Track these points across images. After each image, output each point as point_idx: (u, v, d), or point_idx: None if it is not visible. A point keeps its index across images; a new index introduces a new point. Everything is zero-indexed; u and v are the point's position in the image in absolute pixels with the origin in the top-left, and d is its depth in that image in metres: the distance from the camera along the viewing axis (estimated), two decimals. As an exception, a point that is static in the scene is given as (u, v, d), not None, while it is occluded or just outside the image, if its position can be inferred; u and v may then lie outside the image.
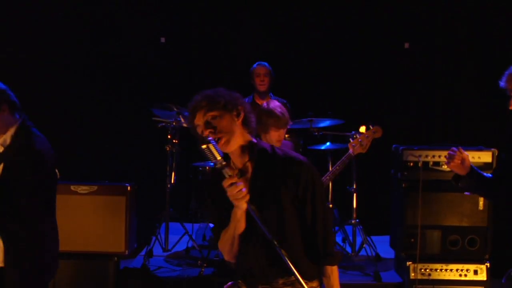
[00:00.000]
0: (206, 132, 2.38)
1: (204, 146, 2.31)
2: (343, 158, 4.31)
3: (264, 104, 4.03)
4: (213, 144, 2.31)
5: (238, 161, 2.45)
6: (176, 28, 6.88)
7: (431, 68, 6.80)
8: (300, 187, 2.40)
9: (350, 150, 4.25)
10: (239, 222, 2.37)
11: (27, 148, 3.04)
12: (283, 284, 2.41)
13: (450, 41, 6.68)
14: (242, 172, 2.44)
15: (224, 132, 2.38)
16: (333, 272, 2.45)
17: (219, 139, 2.36)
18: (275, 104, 4.00)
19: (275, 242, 2.28)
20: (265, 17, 6.84)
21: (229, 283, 2.54)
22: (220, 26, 6.92)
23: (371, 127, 4.30)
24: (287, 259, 2.28)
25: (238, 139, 2.42)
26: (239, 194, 2.29)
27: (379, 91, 6.70)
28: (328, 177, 4.37)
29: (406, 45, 6.78)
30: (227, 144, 2.39)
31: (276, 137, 3.93)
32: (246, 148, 2.45)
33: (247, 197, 2.31)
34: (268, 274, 2.41)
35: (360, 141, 4.23)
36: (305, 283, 2.30)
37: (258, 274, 2.43)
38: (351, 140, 4.29)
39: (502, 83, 3.34)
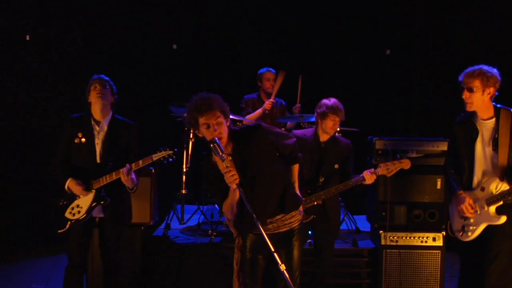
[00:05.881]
0: (215, 133, 3.22)
1: (211, 145, 3.20)
2: (357, 178, 4.37)
3: (325, 100, 4.52)
4: (218, 143, 3.21)
5: (227, 149, 3.35)
6: (187, 36, 7.54)
7: (409, 71, 7.45)
8: (268, 141, 3.40)
9: (378, 169, 4.35)
10: (234, 194, 3.28)
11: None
12: (270, 223, 3.43)
13: (426, 48, 7.35)
14: (232, 155, 3.35)
15: (223, 134, 3.29)
16: (295, 167, 3.61)
17: (220, 138, 3.25)
18: (332, 98, 4.52)
19: (254, 215, 3.17)
20: (264, 27, 7.48)
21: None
22: (226, 34, 7.55)
23: (402, 159, 4.41)
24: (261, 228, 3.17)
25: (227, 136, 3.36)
26: (232, 178, 3.17)
27: (362, 92, 7.34)
28: (342, 186, 4.43)
29: (388, 52, 7.48)
30: (224, 142, 3.31)
31: (330, 124, 4.46)
32: (229, 139, 3.38)
33: (238, 180, 3.19)
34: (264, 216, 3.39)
35: (388, 165, 4.36)
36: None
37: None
38: (381, 163, 4.40)
39: (460, 77, 3.95)
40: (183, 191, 6.01)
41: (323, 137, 4.60)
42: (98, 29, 7.28)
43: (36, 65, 7.27)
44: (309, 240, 4.91)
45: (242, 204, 3.32)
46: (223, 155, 3.17)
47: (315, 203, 4.45)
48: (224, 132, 3.31)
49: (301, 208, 3.60)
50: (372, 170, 4.38)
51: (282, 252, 3.46)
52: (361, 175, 4.40)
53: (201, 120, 3.28)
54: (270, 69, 6.35)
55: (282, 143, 3.50)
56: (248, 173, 3.35)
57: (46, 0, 7.22)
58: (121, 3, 7.40)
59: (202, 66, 7.54)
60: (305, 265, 4.81)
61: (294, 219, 3.52)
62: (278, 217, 3.46)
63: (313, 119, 5.86)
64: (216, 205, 6.19)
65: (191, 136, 5.97)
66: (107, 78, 4.41)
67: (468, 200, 3.98)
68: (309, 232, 4.78)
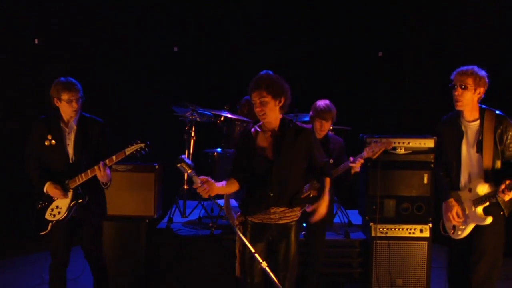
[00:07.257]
0: (258, 110, 3.46)
1: (178, 165, 3.34)
2: (344, 164, 4.64)
3: (316, 102, 4.73)
4: (186, 161, 3.34)
5: (270, 127, 3.63)
6: (187, 38, 7.72)
7: (401, 73, 7.64)
8: (308, 144, 3.67)
9: (364, 153, 4.57)
10: (228, 189, 3.70)
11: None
12: (273, 213, 3.70)
13: (417, 50, 7.52)
14: (272, 135, 3.64)
15: (267, 113, 3.54)
16: (327, 180, 3.81)
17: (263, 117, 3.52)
18: (323, 102, 4.74)
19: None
20: (261, 30, 7.66)
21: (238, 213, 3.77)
22: (226, 37, 7.72)
23: (383, 139, 4.65)
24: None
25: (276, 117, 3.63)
26: (204, 191, 3.43)
27: (355, 93, 7.52)
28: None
29: (380, 54, 7.67)
30: (270, 122, 3.59)
31: (318, 126, 4.73)
32: (280, 122, 3.66)
33: (208, 194, 3.42)
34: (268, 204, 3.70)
35: (373, 148, 4.57)
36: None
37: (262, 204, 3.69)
38: (367, 147, 4.61)
39: (452, 76, 3.97)
40: (185, 187, 6.21)
41: (319, 135, 4.90)
42: (101, 32, 7.41)
43: (41, 66, 7.42)
44: (303, 232, 5.18)
45: (254, 185, 3.62)
46: (192, 172, 3.38)
47: (311, 195, 4.75)
48: (270, 112, 3.54)
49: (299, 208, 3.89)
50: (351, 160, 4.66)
51: (282, 245, 3.75)
52: (347, 161, 4.70)
53: (252, 96, 3.57)
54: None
55: (317, 153, 3.76)
56: (277, 157, 3.60)
57: (51, 3, 7.39)
58: (123, 6, 7.57)
59: (202, 68, 7.68)
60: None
61: (294, 213, 3.81)
62: (281, 209, 3.71)
63: (307, 118, 6.10)
64: (217, 200, 6.39)
65: (192, 134, 6.18)
66: (79, 88, 4.27)
67: (457, 209, 4.08)
68: (304, 224, 5.06)
